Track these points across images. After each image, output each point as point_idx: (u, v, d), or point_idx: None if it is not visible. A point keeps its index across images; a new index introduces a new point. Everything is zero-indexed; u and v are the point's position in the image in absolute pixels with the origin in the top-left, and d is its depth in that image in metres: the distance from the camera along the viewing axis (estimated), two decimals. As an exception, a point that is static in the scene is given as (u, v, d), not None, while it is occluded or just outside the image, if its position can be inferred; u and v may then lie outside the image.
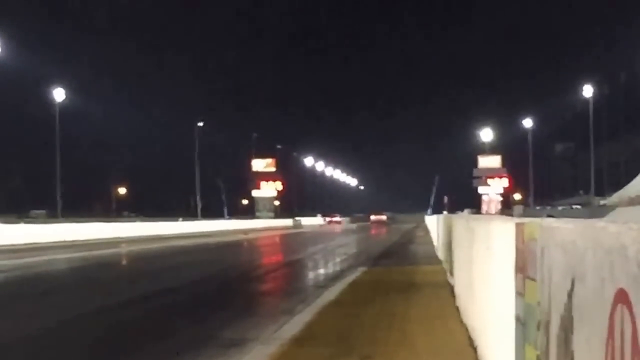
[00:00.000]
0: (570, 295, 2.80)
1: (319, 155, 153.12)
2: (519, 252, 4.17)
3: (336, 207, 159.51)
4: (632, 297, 2.08)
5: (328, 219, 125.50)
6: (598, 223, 2.63)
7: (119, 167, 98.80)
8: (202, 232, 61.61)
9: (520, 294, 4.08)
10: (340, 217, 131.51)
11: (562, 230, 3.07)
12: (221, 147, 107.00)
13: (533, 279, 3.63)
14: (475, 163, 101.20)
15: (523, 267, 3.97)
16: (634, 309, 2.06)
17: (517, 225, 4.26)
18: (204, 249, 37.68)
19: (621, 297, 2.17)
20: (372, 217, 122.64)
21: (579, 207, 60.17)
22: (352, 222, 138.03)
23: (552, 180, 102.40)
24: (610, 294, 2.27)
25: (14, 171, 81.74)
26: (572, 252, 2.83)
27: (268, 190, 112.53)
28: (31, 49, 73.13)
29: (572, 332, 2.78)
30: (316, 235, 58.58)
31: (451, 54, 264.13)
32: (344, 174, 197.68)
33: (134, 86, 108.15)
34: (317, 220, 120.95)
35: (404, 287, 15.03)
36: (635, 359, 2.05)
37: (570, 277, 2.80)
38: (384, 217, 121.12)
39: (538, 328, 3.43)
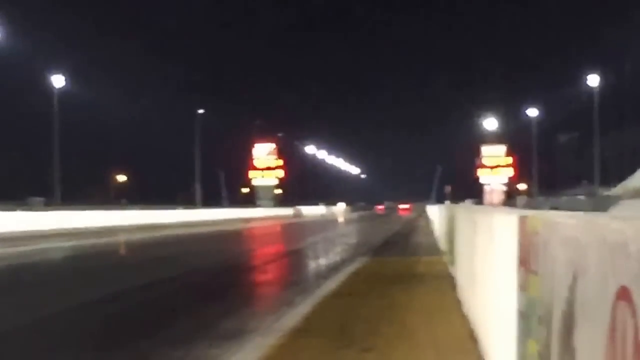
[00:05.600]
0: (572, 291, 2.80)
1: (320, 143, 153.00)
2: (521, 245, 4.16)
3: (338, 196, 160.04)
4: (634, 295, 2.07)
5: (378, 207, 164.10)
6: (600, 218, 2.62)
7: (118, 154, 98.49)
8: (202, 221, 61.54)
9: (522, 287, 4.07)
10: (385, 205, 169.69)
11: (564, 225, 3.06)
12: (222, 134, 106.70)
13: (536, 273, 3.62)
14: (478, 152, 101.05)
15: (526, 261, 3.96)
16: (636, 307, 2.05)
17: (521, 218, 4.24)
18: (203, 238, 37.66)
19: (623, 294, 2.16)
20: (400, 206, 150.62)
21: (582, 197, 59.94)
22: (354, 211, 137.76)
23: (556, 170, 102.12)
24: (612, 291, 2.26)
25: (11, 158, 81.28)
26: (574, 247, 2.81)
27: (269, 178, 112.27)
28: (29, 34, 72.82)
29: (573, 328, 2.77)
30: (317, 225, 58.44)
31: (455, 42, 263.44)
32: (346, 163, 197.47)
33: (134, 72, 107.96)
34: (320, 210, 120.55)
35: (405, 278, 15.01)
36: (636, 356, 2.04)
37: (572, 273, 2.79)
38: (408, 206, 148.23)
39: (540, 322, 3.42)
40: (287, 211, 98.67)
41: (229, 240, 37.35)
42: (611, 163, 74.32)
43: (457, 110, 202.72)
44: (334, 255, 24.51)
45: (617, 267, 2.24)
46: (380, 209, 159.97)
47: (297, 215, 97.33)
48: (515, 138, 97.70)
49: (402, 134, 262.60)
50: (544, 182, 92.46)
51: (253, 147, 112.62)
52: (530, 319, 3.75)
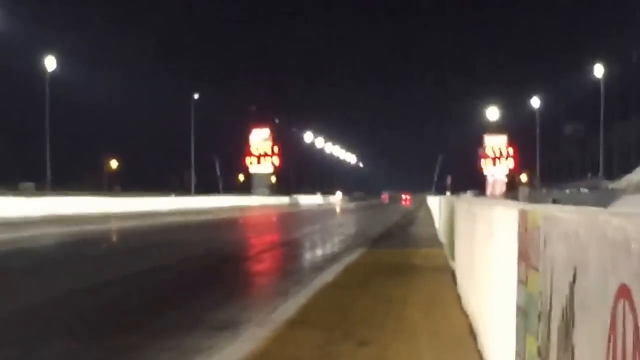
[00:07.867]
0: (572, 288, 2.77)
1: (318, 131, 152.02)
2: (521, 239, 4.13)
3: (335, 185, 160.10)
4: (635, 294, 2.04)
5: (383, 196, 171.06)
6: (602, 214, 2.60)
7: (112, 139, 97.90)
8: (196, 209, 61.05)
9: (522, 283, 4.04)
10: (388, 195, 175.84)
11: (565, 220, 3.04)
12: (217, 120, 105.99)
13: (536, 269, 3.59)
14: (480, 142, 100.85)
15: (526, 256, 3.93)
16: (636, 306, 2.03)
17: (521, 212, 4.21)
18: (196, 226, 37.45)
19: (623, 292, 2.13)
20: (403, 196, 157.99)
21: (586, 190, 59.73)
22: (351, 201, 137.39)
23: (560, 162, 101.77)
24: (612, 288, 2.23)
25: (1, 142, 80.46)
26: (575, 243, 2.79)
27: (265, 165, 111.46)
28: (21, 14, 72.24)
29: (573, 325, 2.75)
30: (313, 215, 58.28)
31: (459, 31, 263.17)
32: (343, 150, 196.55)
33: (129, 56, 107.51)
34: (317, 199, 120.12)
35: (403, 270, 14.97)
36: (636, 355, 2.02)
37: (572, 269, 2.77)
38: (407, 196, 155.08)
39: (539, 319, 3.39)
40: (283, 200, 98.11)
41: (223, 228, 37.16)
42: (616, 155, 73.88)
43: (460, 100, 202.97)
44: (331, 246, 24.47)
45: (617, 265, 2.22)
46: (384, 198, 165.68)
47: (294, 204, 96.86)
48: (518, 128, 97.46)
49: (403, 123, 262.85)
50: (547, 174, 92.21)
51: (250, 133, 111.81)
52: (530, 315, 3.72)
